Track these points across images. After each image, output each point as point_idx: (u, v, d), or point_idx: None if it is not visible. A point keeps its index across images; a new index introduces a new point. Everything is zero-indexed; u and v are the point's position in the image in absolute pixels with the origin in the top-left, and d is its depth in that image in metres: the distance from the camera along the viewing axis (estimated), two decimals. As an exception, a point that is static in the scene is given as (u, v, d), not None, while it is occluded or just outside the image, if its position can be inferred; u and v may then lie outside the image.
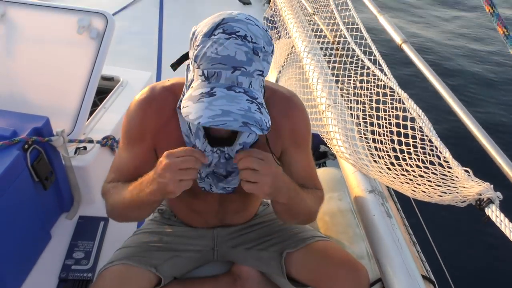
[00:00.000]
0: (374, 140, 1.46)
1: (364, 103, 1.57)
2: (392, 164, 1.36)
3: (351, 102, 1.65)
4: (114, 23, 1.93)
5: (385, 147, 1.40)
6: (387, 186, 1.62)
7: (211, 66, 0.85)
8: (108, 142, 1.85)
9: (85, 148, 1.76)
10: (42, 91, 1.80)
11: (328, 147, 1.75)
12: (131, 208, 1.08)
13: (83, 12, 1.93)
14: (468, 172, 1.11)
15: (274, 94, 1.12)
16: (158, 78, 2.68)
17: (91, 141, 1.77)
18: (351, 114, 1.66)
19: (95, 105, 2.03)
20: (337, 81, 1.80)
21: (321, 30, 2.13)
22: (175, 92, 1.07)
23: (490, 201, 1.00)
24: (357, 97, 1.61)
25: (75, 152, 1.74)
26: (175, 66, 1.05)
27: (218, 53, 0.83)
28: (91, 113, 1.91)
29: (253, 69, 0.86)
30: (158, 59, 2.92)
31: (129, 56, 2.94)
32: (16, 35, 1.90)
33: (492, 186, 1.03)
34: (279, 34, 2.45)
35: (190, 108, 0.83)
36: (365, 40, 1.69)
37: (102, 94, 2.22)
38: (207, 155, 1.00)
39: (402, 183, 1.31)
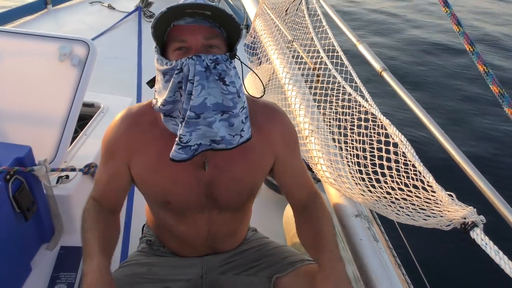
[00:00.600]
0: (358, 164, 1.50)
1: (346, 128, 1.61)
2: (373, 187, 1.39)
3: (334, 128, 1.69)
4: (96, 51, 1.93)
5: (369, 170, 1.43)
6: (370, 210, 1.65)
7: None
8: (91, 170, 1.82)
9: (67, 176, 1.73)
10: (24, 119, 1.77)
11: (312, 171, 1.78)
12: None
13: (65, 39, 1.92)
14: (452, 196, 1.15)
15: (256, 104, 1.18)
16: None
17: (73, 169, 1.74)
18: (334, 139, 1.69)
19: (75, 132, 2.00)
20: (319, 107, 1.84)
21: (302, 57, 2.18)
22: (151, 109, 1.11)
23: (474, 225, 1.03)
24: (340, 122, 1.65)
25: (57, 181, 1.71)
26: (151, 83, 1.11)
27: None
28: (72, 140, 1.88)
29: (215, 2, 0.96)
30: (138, 84, 2.92)
31: (109, 81, 2.92)
32: None
33: (475, 210, 1.07)
34: (259, 60, 2.50)
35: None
36: (346, 67, 1.74)
37: (82, 120, 2.20)
38: (184, 65, 0.96)
39: (385, 206, 1.35)
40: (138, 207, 1.98)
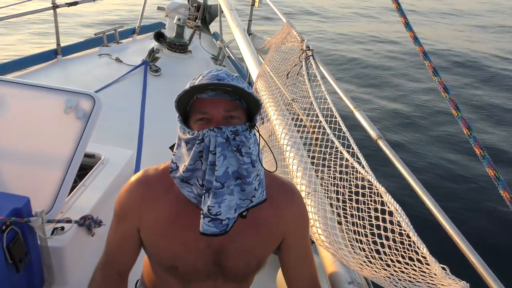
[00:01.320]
0: (354, 232, 1.51)
1: (344, 194, 1.63)
2: (373, 257, 1.39)
3: (331, 192, 1.71)
4: (101, 105, 1.99)
5: (367, 239, 1.44)
6: (365, 277, 1.63)
7: (200, 82, 1.01)
8: (86, 222, 1.82)
9: (62, 228, 1.73)
10: (25, 168, 1.79)
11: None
12: None
13: (72, 93, 1.99)
14: (446, 270, 1.16)
15: (274, 181, 1.21)
16: (139, 157, 2.70)
17: (69, 221, 1.74)
18: (331, 204, 1.71)
19: (75, 182, 2.02)
20: (316, 170, 1.87)
21: (301, 120, 2.24)
22: (167, 173, 1.13)
23: (467, 301, 1.04)
24: (337, 188, 1.67)
25: (52, 232, 1.71)
26: (173, 148, 1.13)
27: (204, 75, 1.05)
28: (71, 190, 1.90)
29: (234, 83, 1.00)
30: (140, 136, 2.97)
31: (111, 132, 2.98)
32: (3, 113, 1.92)
33: (468, 285, 1.07)
34: (262, 120, 2.56)
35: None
36: (343, 133, 1.79)
37: (82, 170, 2.22)
38: (205, 136, 1.00)
39: (384, 277, 1.34)
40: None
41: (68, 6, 4.17)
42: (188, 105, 1.06)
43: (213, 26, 5.89)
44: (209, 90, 1.03)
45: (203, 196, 1.01)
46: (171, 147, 1.14)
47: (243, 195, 1.04)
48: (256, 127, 1.07)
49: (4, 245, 1.42)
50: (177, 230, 1.09)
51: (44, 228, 1.62)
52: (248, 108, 1.07)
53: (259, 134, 1.11)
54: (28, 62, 4.03)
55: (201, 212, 1.01)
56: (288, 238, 1.23)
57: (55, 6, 3.99)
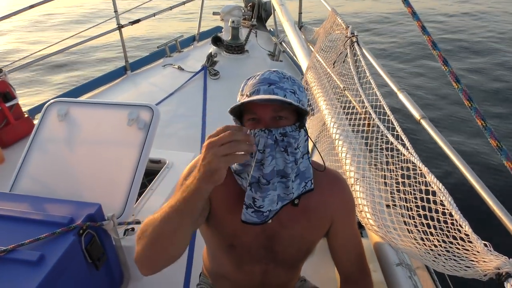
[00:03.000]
0: (402, 215, 1.51)
1: (391, 177, 1.64)
2: (421, 239, 1.40)
3: (379, 177, 1.72)
4: (159, 114, 2.16)
5: (413, 222, 1.44)
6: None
7: (252, 87, 1.08)
8: (154, 222, 2.00)
9: (133, 229, 1.92)
10: (95, 179, 2.01)
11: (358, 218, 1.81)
12: (168, 220, 1.03)
13: (133, 106, 2.18)
14: (487, 246, 1.14)
15: (322, 172, 1.26)
16: (201, 158, 2.86)
17: (138, 222, 1.93)
18: (379, 188, 1.72)
19: (143, 186, 2.22)
20: (365, 156, 1.88)
21: (353, 107, 2.24)
22: None
23: (509, 275, 1.02)
24: (384, 172, 1.68)
25: (124, 233, 1.90)
26: None
27: (256, 78, 1.10)
28: (139, 194, 2.09)
29: (285, 86, 1.08)
30: (202, 139, 3.14)
31: (175, 138, 3.18)
32: (75, 131, 2.17)
33: (511, 260, 1.05)
34: (313, 111, 2.60)
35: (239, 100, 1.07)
36: (388, 116, 1.79)
37: (150, 175, 2.42)
38: (256, 136, 1.05)
39: (431, 257, 1.34)
40: (197, 255, 2.12)
41: (132, 24, 4.49)
42: (242, 106, 1.11)
43: (270, 23, 5.97)
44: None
45: (247, 189, 1.09)
46: None
47: (287, 190, 1.11)
48: (305, 128, 1.12)
49: (82, 247, 1.63)
50: (239, 208, 1.14)
51: (117, 230, 1.82)
52: (298, 107, 1.10)
53: (307, 135, 1.15)
54: (102, 80, 4.42)
55: (244, 202, 1.09)
56: (336, 222, 1.28)
57: (120, 26, 4.32)
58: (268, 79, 1.08)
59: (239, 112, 1.13)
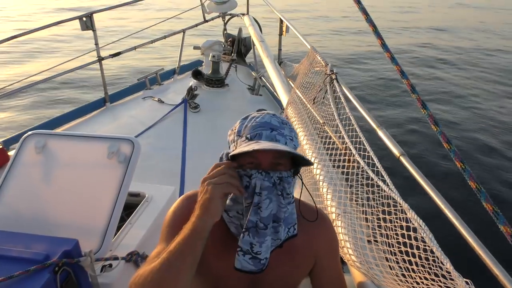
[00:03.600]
0: (383, 251, 1.52)
1: (372, 213, 1.66)
2: (403, 275, 1.40)
3: (359, 213, 1.74)
4: (140, 147, 2.15)
5: (395, 258, 1.45)
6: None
7: (253, 130, 1.07)
8: (133, 258, 1.95)
9: (110, 265, 1.86)
10: (73, 213, 1.96)
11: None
12: (168, 266, 1.02)
13: (113, 139, 2.16)
14: (469, 284, 1.16)
15: (305, 207, 1.26)
16: (181, 192, 2.84)
17: (116, 258, 1.88)
18: (361, 224, 1.73)
19: (121, 220, 2.17)
20: (346, 191, 1.90)
21: (333, 142, 2.28)
22: None
23: (491, 313, 1.03)
24: (365, 207, 1.70)
25: (101, 270, 1.84)
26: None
27: (257, 121, 1.09)
28: (118, 227, 2.04)
29: (286, 133, 1.09)
30: (182, 173, 3.12)
31: (155, 171, 3.15)
32: (53, 163, 2.13)
33: (492, 298, 1.07)
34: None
35: (241, 148, 1.05)
36: (368, 152, 1.82)
37: (128, 209, 2.37)
38: (253, 177, 1.06)
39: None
40: None
41: (112, 57, 4.51)
42: None
43: (249, 58, 6.09)
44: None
45: (242, 234, 1.05)
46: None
47: (276, 235, 1.09)
48: (299, 175, 1.14)
49: (58, 285, 1.57)
50: (225, 254, 1.14)
51: (93, 266, 1.76)
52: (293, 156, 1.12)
53: (301, 179, 1.17)
54: (80, 112, 4.37)
55: (238, 249, 1.05)
56: (320, 261, 1.28)
57: (100, 59, 4.32)
58: (270, 124, 1.09)
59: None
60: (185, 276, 1.02)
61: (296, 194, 1.19)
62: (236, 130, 1.13)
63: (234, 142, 1.12)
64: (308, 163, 1.11)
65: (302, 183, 1.19)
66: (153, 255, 1.16)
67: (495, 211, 0.85)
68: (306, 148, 2.31)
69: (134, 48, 4.74)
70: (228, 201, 1.11)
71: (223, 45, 5.36)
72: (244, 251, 1.05)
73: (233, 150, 1.11)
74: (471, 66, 10.47)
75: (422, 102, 0.98)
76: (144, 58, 10.18)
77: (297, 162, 1.14)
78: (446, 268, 1.24)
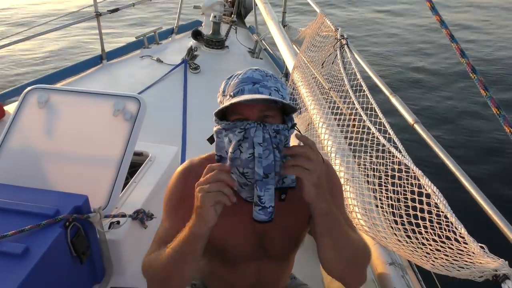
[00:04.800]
0: (392, 214, 1.54)
1: (381, 178, 1.66)
2: (409, 237, 1.43)
3: (368, 177, 1.75)
4: (146, 106, 2.11)
5: (403, 220, 1.48)
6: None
7: (235, 87, 1.06)
8: (139, 216, 1.96)
9: (118, 222, 1.87)
10: (79, 170, 1.95)
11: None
12: (172, 263, 1.12)
13: (119, 97, 2.12)
14: (484, 248, 1.18)
15: None
16: (183, 152, 2.83)
17: (123, 216, 1.88)
18: (369, 188, 1.75)
19: (126, 179, 2.16)
20: (354, 156, 1.91)
21: (338, 107, 2.27)
22: (212, 161, 1.17)
23: (506, 277, 1.06)
24: (374, 172, 1.70)
25: (109, 227, 1.85)
26: (210, 140, 1.16)
27: (239, 77, 1.08)
28: (123, 187, 2.04)
29: (269, 85, 1.07)
30: (183, 133, 3.10)
31: (156, 131, 3.12)
32: (57, 119, 2.09)
33: (507, 262, 1.09)
34: (299, 110, 2.61)
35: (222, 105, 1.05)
36: (380, 119, 1.81)
37: (132, 168, 2.36)
38: (249, 128, 1.03)
39: (421, 256, 1.38)
40: None
41: (110, 13, 4.37)
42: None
43: (249, 20, 5.96)
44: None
45: (250, 186, 1.06)
46: (209, 139, 1.17)
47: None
48: (296, 128, 1.11)
49: (68, 240, 1.57)
50: (227, 217, 1.12)
51: (102, 223, 1.77)
52: (283, 106, 1.10)
53: (299, 131, 1.13)
54: (76, 69, 4.27)
55: (253, 201, 1.06)
56: None
57: (98, 14, 4.19)
58: (252, 78, 1.07)
59: (221, 113, 1.10)
60: (187, 271, 1.15)
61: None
62: (221, 90, 1.11)
63: (221, 102, 1.10)
64: (293, 109, 1.08)
65: (299, 131, 1.13)
66: (160, 234, 1.25)
67: None
68: (314, 112, 2.29)
69: (133, 4, 4.60)
70: (227, 161, 1.07)
71: (225, 6, 5.23)
72: (255, 203, 1.06)
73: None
74: None
75: (472, 67, 0.96)
76: (143, 16, 9.91)
77: (287, 113, 1.12)
78: (460, 233, 1.26)
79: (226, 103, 1.04)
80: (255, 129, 1.02)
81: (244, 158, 1.03)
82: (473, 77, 0.97)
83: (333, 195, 1.23)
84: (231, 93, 1.06)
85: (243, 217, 1.12)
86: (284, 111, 1.12)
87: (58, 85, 3.95)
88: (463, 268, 1.19)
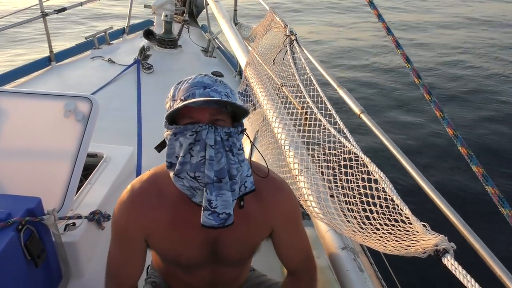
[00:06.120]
0: (345, 202, 1.62)
1: (334, 168, 1.74)
2: (363, 223, 1.51)
3: (322, 168, 1.82)
4: (98, 106, 2.09)
5: (356, 208, 1.55)
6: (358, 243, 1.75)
7: (186, 91, 1.06)
8: (95, 217, 1.94)
9: (73, 224, 1.84)
10: (32, 173, 1.90)
11: (303, 208, 1.89)
12: None
13: (69, 97, 2.08)
14: (426, 226, 1.27)
15: (266, 181, 1.25)
16: (139, 152, 2.81)
17: (79, 217, 1.85)
18: (323, 178, 1.82)
19: (81, 181, 2.13)
20: (307, 148, 1.97)
21: (290, 102, 2.33)
22: (153, 181, 1.21)
23: (445, 251, 1.14)
24: (327, 162, 1.77)
25: (65, 229, 1.82)
26: (158, 148, 1.18)
27: (189, 82, 1.08)
28: (78, 188, 2.01)
29: (219, 89, 1.08)
30: (138, 133, 3.07)
31: (110, 132, 3.08)
32: (6, 122, 2.02)
33: (446, 237, 1.18)
34: (254, 106, 2.66)
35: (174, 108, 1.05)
36: (329, 111, 1.89)
37: (87, 170, 2.32)
38: (201, 131, 1.04)
39: (374, 240, 1.46)
40: None
41: (57, 13, 4.24)
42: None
43: (201, 19, 5.95)
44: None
45: (203, 190, 1.05)
46: (157, 147, 1.18)
47: (233, 194, 1.09)
48: (245, 132, 1.13)
49: (22, 243, 1.54)
50: (177, 231, 1.16)
51: (57, 225, 1.73)
52: (233, 112, 1.12)
53: (248, 138, 1.19)
54: (23, 71, 4.12)
55: (202, 205, 1.06)
56: (277, 230, 1.31)
57: (44, 14, 4.06)
58: (202, 83, 1.07)
59: (171, 118, 1.09)
60: None
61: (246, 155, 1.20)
62: (171, 96, 1.11)
63: (170, 107, 1.09)
64: (245, 112, 1.10)
65: (249, 139, 1.20)
66: (113, 259, 1.30)
67: (469, 154, 0.93)
68: (267, 108, 2.34)
69: (81, 4, 4.48)
70: (178, 166, 1.07)
71: (176, 5, 5.19)
72: (204, 208, 1.05)
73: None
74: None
75: (406, 57, 1.03)
76: (91, 16, 9.65)
77: (237, 119, 1.13)
78: (405, 214, 1.35)
79: (177, 106, 1.04)
80: (207, 131, 1.03)
81: (195, 162, 1.03)
82: (418, 82, 1.05)
83: (290, 225, 1.32)
84: (182, 97, 1.06)
85: (196, 223, 1.10)
86: (234, 117, 1.13)
87: (8, 88, 3.80)
88: (410, 246, 1.27)
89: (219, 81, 1.11)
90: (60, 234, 1.76)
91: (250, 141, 1.20)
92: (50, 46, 4.26)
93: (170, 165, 1.09)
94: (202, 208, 1.06)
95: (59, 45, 5.14)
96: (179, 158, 1.05)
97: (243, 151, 1.12)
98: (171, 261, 1.29)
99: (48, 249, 1.72)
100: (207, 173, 1.03)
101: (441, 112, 0.99)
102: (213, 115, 1.06)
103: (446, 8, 12.47)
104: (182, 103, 1.03)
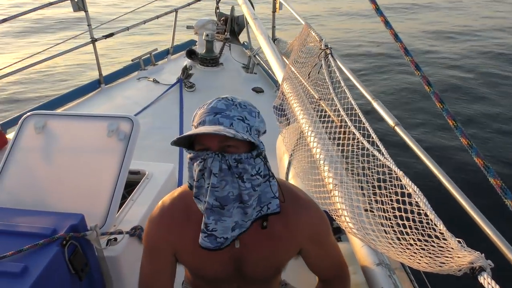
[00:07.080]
0: (379, 217, 1.58)
1: (367, 182, 1.71)
2: (398, 239, 1.47)
3: (356, 182, 1.80)
4: (139, 125, 2.18)
5: (389, 223, 1.52)
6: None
7: (200, 118, 1.09)
8: (136, 232, 2.01)
9: (115, 239, 1.92)
10: (76, 191, 2.01)
11: (337, 223, 1.87)
12: None
13: (112, 118, 2.19)
14: (461, 243, 1.22)
15: (291, 196, 1.26)
16: (181, 169, 2.89)
17: (120, 232, 1.93)
18: (357, 192, 1.79)
19: (123, 198, 2.22)
20: (341, 162, 1.95)
21: (328, 116, 2.32)
22: (183, 197, 1.26)
23: (482, 269, 1.09)
24: (361, 176, 1.75)
25: (107, 244, 1.90)
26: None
27: (205, 107, 1.11)
28: (120, 205, 2.10)
29: (232, 114, 1.08)
30: (180, 151, 3.17)
31: (153, 150, 3.19)
32: (54, 143, 2.16)
33: (483, 255, 1.13)
34: (288, 121, 2.67)
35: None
36: (363, 124, 1.87)
37: (129, 187, 2.42)
38: (207, 158, 1.06)
39: (408, 256, 1.41)
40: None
41: (106, 38, 4.49)
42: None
43: (243, 37, 6.07)
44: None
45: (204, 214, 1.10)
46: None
47: (245, 217, 1.11)
48: (262, 156, 1.12)
49: (66, 257, 1.62)
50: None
51: (99, 240, 1.82)
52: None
53: (265, 162, 1.14)
54: (75, 94, 4.38)
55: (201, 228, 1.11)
56: (305, 249, 1.32)
57: (93, 40, 4.30)
58: (215, 108, 1.08)
59: (189, 142, 1.14)
60: None
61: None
62: (192, 120, 1.15)
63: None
64: (253, 146, 1.10)
65: (265, 163, 1.15)
66: (146, 275, 1.37)
67: (485, 165, 0.90)
68: (303, 122, 2.35)
69: (127, 28, 4.72)
70: (195, 189, 1.11)
71: (216, 24, 5.34)
72: (201, 230, 1.10)
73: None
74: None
75: (416, 64, 1.01)
76: (138, 39, 10.11)
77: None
78: (439, 229, 1.30)
79: (185, 134, 1.08)
80: (212, 159, 1.05)
81: (206, 187, 1.07)
82: (428, 90, 1.03)
83: (318, 242, 1.33)
84: (195, 124, 1.10)
85: None
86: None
87: (58, 111, 4.04)
88: (444, 263, 1.23)
89: (236, 104, 1.11)
90: (103, 249, 1.83)
91: (265, 162, 1.15)
92: (99, 70, 4.51)
93: (191, 187, 1.15)
94: (201, 231, 1.11)
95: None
96: (194, 182, 1.10)
97: (261, 175, 1.11)
98: (198, 276, 1.32)
99: (91, 263, 1.81)
100: (207, 199, 1.06)
101: (453, 121, 0.95)
102: (223, 142, 1.07)
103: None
104: (191, 132, 1.07)
